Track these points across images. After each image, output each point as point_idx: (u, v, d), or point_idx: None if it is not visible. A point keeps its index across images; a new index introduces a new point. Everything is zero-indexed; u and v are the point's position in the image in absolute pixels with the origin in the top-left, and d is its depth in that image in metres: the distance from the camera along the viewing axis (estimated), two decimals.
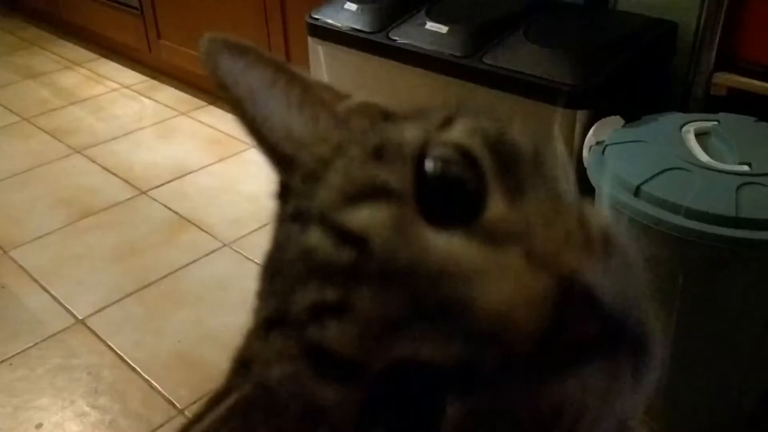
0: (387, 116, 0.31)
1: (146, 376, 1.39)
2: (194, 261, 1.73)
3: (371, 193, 0.25)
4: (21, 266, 1.73)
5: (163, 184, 2.06)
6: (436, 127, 0.27)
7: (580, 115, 1.19)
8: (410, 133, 0.27)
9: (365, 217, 0.24)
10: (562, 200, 0.26)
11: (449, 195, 0.25)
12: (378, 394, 0.24)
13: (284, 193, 0.30)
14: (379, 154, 0.26)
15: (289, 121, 0.31)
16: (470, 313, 0.22)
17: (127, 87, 2.69)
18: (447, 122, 0.28)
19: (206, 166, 2.15)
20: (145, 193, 2.02)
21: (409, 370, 0.23)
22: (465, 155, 0.26)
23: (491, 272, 0.23)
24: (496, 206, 0.25)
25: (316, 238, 0.25)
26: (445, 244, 0.24)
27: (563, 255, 0.23)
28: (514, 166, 0.26)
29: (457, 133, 0.27)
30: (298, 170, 0.29)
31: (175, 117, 2.45)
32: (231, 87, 0.31)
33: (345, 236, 0.24)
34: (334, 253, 0.24)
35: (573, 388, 0.23)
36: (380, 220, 0.24)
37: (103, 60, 2.92)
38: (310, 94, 0.32)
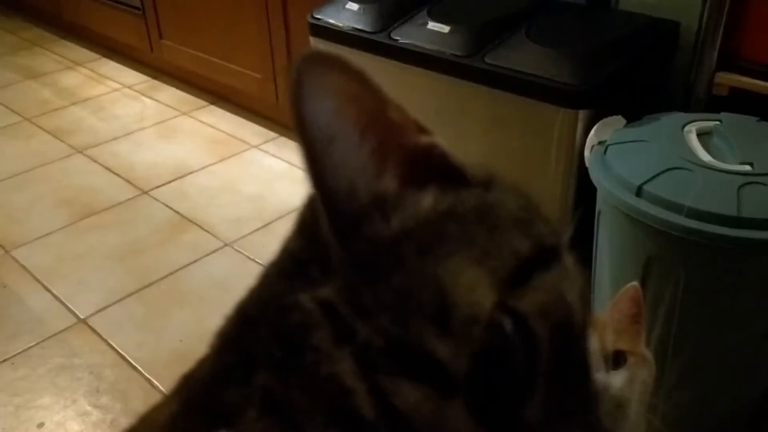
0: (456, 178, 0.29)
1: (148, 376, 1.40)
2: (195, 261, 1.73)
3: (423, 366, 0.23)
4: (23, 266, 1.73)
5: (164, 184, 2.06)
6: (506, 277, 0.25)
7: (582, 115, 1.19)
8: (481, 296, 0.24)
9: (410, 395, 0.23)
10: None
11: (499, 385, 0.24)
12: None
13: (324, 262, 0.26)
14: (442, 315, 0.24)
15: (354, 177, 0.27)
16: None
17: (129, 87, 2.69)
18: (521, 275, 0.26)
19: (207, 166, 2.15)
20: (146, 192, 2.03)
21: None
22: (528, 340, 0.24)
23: None
24: (535, 413, 0.24)
25: (351, 380, 0.23)
26: None
27: None
28: (565, 368, 0.25)
29: (529, 304, 0.25)
30: (347, 261, 0.26)
31: (176, 117, 2.46)
32: (307, 130, 0.27)
33: (384, 403, 0.23)
34: (366, 413, 0.23)
35: None
36: (426, 408, 0.23)
37: (104, 60, 2.92)
38: (381, 135, 0.28)
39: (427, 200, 0.27)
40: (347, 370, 0.23)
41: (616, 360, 0.75)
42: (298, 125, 0.26)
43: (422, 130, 0.30)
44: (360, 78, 0.28)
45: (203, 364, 0.30)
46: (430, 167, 0.29)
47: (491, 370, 0.24)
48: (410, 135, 0.29)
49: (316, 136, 0.27)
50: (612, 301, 0.81)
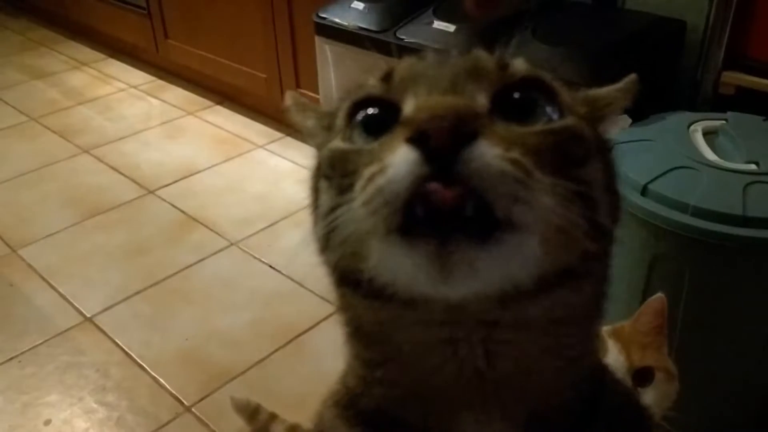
0: None
1: (154, 374, 1.40)
2: (201, 260, 1.74)
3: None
4: (29, 265, 1.74)
5: (170, 184, 2.07)
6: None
7: None
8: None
9: (520, 62, 0.38)
10: None
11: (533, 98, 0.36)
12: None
13: None
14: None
15: None
16: None
17: (135, 87, 2.70)
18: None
19: (213, 165, 2.16)
20: (152, 192, 2.03)
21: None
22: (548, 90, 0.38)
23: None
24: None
25: (485, 57, 0.37)
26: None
27: None
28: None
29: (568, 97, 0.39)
30: None
31: (182, 117, 2.46)
32: None
33: (505, 64, 0.37)
34: (493, 65, 0.37)
35: None
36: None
37: (110, 60, 2.94)
38: None
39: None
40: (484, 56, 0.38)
41: (645, 377, 0.75)
42: None
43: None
44: None
45: None
46: None
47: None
48: None
49: None
50: (636, 313, 0.80)
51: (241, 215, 1.91)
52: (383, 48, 1.68)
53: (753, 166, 1.02)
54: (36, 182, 2.10)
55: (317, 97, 1.76)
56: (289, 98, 0.45)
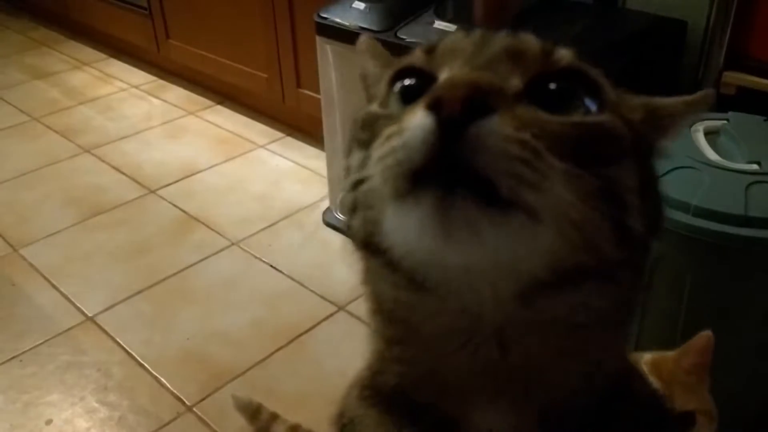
0: None
1: (155, 373, 1.40)
2: (202, 259, 1.74)
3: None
4: (31, 264, 1.74)
5: (171, 183, 2.07)
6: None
7: None
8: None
9: (566, 52, 0.37)
10: None
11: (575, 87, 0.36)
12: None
13: None
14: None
15: None
16: None
17: (136, 87, 2.70)
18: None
19: (214, 165, 2.16)
20: (153, 192, 2.04)
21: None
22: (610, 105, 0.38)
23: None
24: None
25: (531, 41, 0.37)
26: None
27: None
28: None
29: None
30: None
31: (183, 117, 2.47)
32: None
33: (549, 50, 0.37)
34: (537, 50, 0.36)
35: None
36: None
37: (111, 60, 2.94)
38: None
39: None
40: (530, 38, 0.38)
41: (687, 422, 0.74)
42: None
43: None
44: None
45: None
46: None
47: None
48: None
49: None
50: (681, 348, 0.79)
51: (242, 215, 1.91)
52: (384, 48, 1.67)
53: (755, 166, 1.01)
54: (37, 182, 2.10)
55: (318, 97, 1.76)
56: (364, 43, 0.46)
